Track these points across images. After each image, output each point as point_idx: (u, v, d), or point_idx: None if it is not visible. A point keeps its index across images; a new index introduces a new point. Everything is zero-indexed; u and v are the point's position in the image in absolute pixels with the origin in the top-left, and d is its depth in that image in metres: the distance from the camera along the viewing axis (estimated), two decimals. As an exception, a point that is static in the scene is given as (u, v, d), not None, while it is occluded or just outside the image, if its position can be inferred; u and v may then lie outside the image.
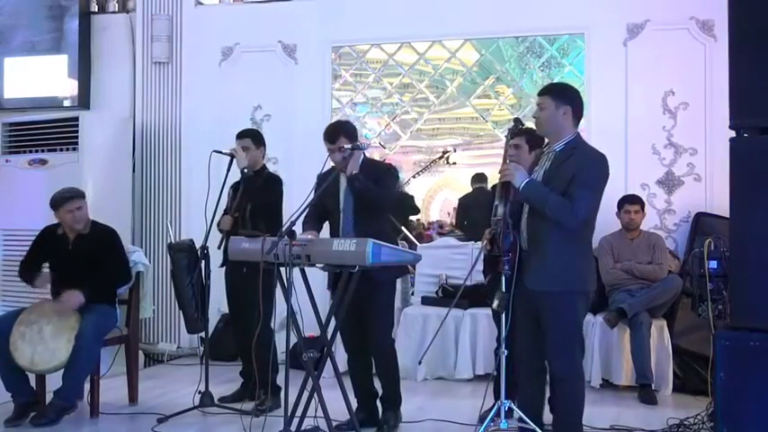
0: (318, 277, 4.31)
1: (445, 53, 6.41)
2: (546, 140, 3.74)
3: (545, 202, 3.36)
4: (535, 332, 3.50)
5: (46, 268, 4.66)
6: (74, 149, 6.05)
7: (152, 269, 5.65)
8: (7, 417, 4.29)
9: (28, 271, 4.60)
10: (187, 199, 6.41)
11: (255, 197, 4.63)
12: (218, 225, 4.68)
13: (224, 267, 4.76)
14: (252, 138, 4.81)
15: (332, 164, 4.21)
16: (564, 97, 3.51)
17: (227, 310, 5.86)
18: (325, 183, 4.00)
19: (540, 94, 3.58)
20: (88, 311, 4.38)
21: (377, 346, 4.17)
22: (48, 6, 6.81)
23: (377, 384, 4.31)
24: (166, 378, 5.68)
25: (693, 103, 5.65)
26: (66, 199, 4.50)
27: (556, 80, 6.13)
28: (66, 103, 6.78)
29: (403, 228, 6.45)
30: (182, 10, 6.59)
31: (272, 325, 4.45)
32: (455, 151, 6.51)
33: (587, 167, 3.41)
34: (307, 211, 4.00)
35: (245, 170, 4.61)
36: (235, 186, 4.82)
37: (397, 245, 4.18)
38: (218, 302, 5.83)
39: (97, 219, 4.72)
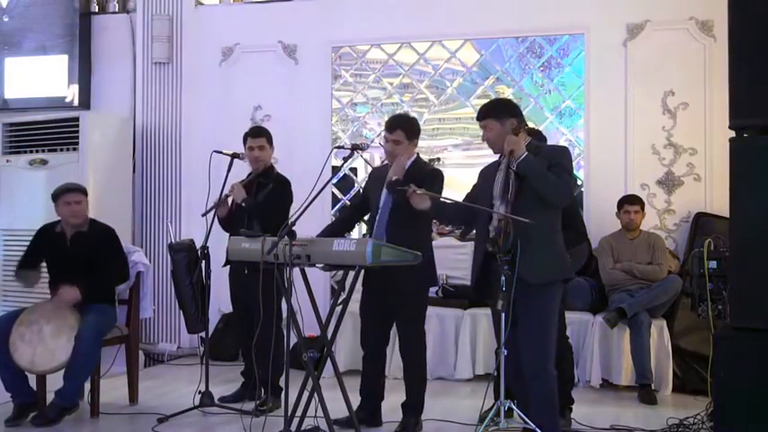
0: (318, 277, 4.31)
1: (445, 53, 6.40)
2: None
3: (545, 175, 3.46)
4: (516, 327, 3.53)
5: (43, 272, 4.64)
6: (74, 149, 6.05)
7: (152, 269, 5.65)
8: (7, 417, 4.30)
9: (24, 270, 4.60)
10: (187, 199, 6.41)
11: (264, 213, 4.61)
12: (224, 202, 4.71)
13: (227, 267, 4.76)
14: (267, 137, 4.83)
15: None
16: (504, 112, 3.66)
17: (227, 310, 5.89)
18: (378, 177, 4.08)
19: (480, 118, 3.72)
20: (88, 311, 4.38)
21: (408, 357, 4.19)
22: (61, 8, 6.81)
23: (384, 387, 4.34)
24: (166, 378, 5.68)
25: (693, 103, 5.65)
26: (66, 190, 4.51)
27: (555, 81, 6.14)
28: (67, 103, 6.78)
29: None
30: (182, 10, 6.58)
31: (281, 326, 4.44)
32: (440, 161, 6.51)
33: (561, 157, 3.58)
34: (350, 203, 4.01)
35: (244, 203, 4.64)
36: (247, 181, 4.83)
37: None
38: (219, 302, 5.84)
39: (97, 219, 4.72)
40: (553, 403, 3.58)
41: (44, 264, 4.67)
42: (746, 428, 3.03)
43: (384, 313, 4.16)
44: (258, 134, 4.83)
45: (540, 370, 3.51)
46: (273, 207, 4.62)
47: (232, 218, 4.74)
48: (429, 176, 4.13)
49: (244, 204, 4.62)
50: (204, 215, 4.65)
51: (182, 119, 6.57)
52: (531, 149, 3.55)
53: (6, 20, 6.94)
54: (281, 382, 3.85)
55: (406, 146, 4.13)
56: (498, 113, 3.66)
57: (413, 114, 6.48)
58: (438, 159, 6.53)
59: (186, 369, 5.93)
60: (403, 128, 4.16)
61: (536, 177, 3.45)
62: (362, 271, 3.78)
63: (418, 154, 4.30)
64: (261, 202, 4.69)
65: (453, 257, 5.97)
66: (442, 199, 3.81)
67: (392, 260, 3.61)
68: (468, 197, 3.88)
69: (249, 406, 4.37)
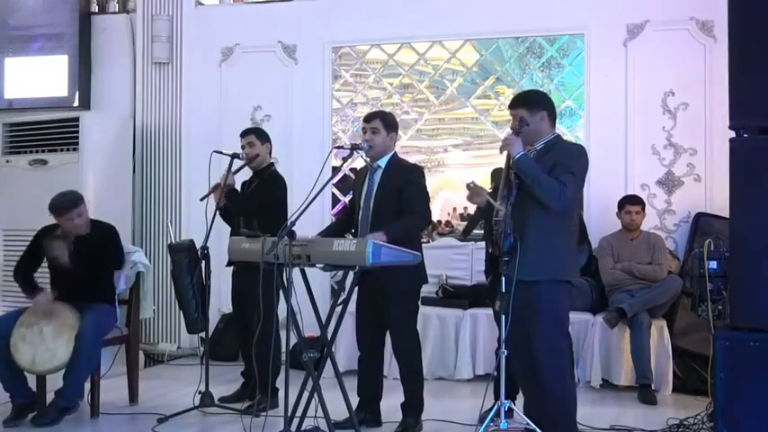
0: (318, 277, 4.31)
1: (445, 53, 6.41)
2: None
3: (538, 176, 3.43)
4: (521, 328, 3.50)
5: (43, 282, 4.63)
6: (74, 150, 6.06)
7: (152, 269, 5.65)
8: (5, 417, 4.30)
9: (24, 274, 4.58)
10: (187, 199, 6.41)
11: (247, 207, 4.66)
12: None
13: (230, 267, 4.76)
14: (256, 134, 4.87)
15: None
16: (537, 104, 3.65)
17: (227, 310, 5.89)
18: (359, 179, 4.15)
19: (513, 107, 3.68)
20: (88, 311, 4.38)
21: (401, 357, 4.20)
22: (62, 8, 6.80)
23: (384, 387, 4.35)
24: (166, 378, 5.67)
25: (693, 104, 5.65)
26: (66, 209, 4.41)
27: (555, 81, 6.14)
28: (67, 104, 6.78)
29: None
30: (182, 10, 6.58)
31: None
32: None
33: (569, 156, 3.56)
34: (348, 204, 4.04)
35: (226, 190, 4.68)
36: (246, 183, 4.89)
37: (420, 247, 4.16)
38: (219, 302, 5.85)
39: (97, 219, 4.71)
40: (570, 403, 3.57)
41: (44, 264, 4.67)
42: (746, 428, 3.02)
43: (378, 313, 4.16)
44: (246, 133, 4.90)
45: (555, 370, 3.49)
46: (258, 203, 4.64)
47: (230, 212, 4.78)
48: (411, 170, 4.22)
49: (225, 191, 4.65)
50: (202, 199, 4.68)
51: (182, 119, 6.57)
52: (549, 146, 3.56)
53: (7, 21, 6.93)
54: (279, 383, 3.85)
55: (384, 136, 4.19)
56: (530, 104, 3.64)
57: (413, 114, 6.49)
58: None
59: (186, 369, 5.93)
60: (381, 118, 4.24)
61: (528, 177, 3.44)
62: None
63: (396, 152, 4.32)
64: (244, 195, 4.73)
65: (453, 257, 5.99)
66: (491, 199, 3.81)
67: (392, 260, 3.61)
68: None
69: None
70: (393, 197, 4.10)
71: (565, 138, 6.02)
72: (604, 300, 5.41)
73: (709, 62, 5.57)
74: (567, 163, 3.50)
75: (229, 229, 4.80)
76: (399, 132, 6.84)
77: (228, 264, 4.66)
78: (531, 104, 3.63)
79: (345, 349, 5.29)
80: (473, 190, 3.75)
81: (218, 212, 4.74)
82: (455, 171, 6.55)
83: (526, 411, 3.67)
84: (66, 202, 4.44)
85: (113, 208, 6.02)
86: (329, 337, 3.84)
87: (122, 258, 4.69)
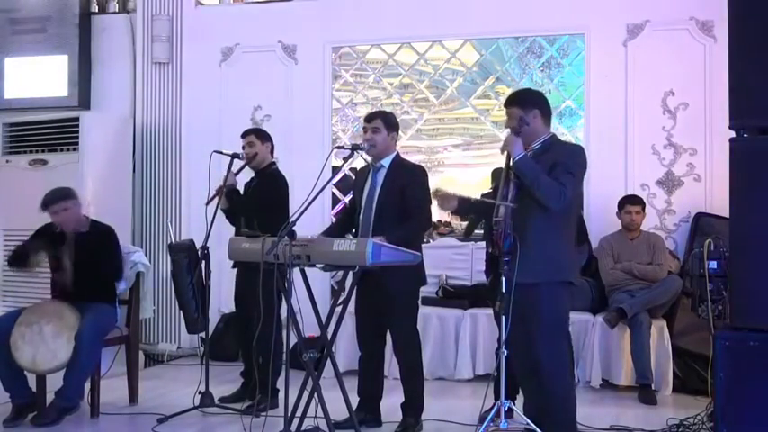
0: (318, 277, 4.31)
1: (445, 53, 6.41)
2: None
3: (537, 177, 3.42)
4: (522, 328, 3.50)
5: (43, 282, 4.62)
6: (74, 150, 6.06)
7: (152, 269, 5.65)
8: (5, 417, 4.30)
9: (20, 255, 4.52)
10: (187, 199, 6.41)
11: (247, 207, 4.68)
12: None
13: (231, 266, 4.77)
14: (256, 134, 4.89)
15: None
16: (530, 102, 3.64)
17: (227, 310, 5.89)
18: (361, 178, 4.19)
19: (507, 105, 3.69)
20: (88, 311, 4.38)
21: (401, 357, 4.21)
22: (62, 8, 6.79)
23: (384, 387, 4.35)
24: (166, 378, 5.68)
25: (693, 104, 5.65)
26: (51, 201, 4.43)
27: (555, 81, 6.14)
28: (67, 104, 6.77)
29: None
30: (182, 10, 6.59)
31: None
32: None
33: (568, 156, 3.56)
34: (348, 204, 4.04)
35: (226, 190, 4.68)
36: (248, 184, 4.90)
37: (420, 248, 4.15)
38: (219, 302, 5.85)
39: (97, 218, 4.72)
40: (571, 403, 3.57)
41: (45, 263, 4.66)
42: (746, 428, 3.02)
43: (378, 313, 4.17)
44: (246, 134, 4.91)
45: (555, 370, 3.49)
46: (258, 202, 4.65)
47: (233, 212, 4.78)
48: (414, 171, 4.23)
49: (225, 192, 4.65)
50: (207, 203, 4.68)
51: (182, 119, 6.58)
52: (546, 146, 3.56)
53: (8, 21, 6.93)
54: (279, 383, 3.85)
55: (385, 136, 4.20)
56: (523, 102, 3.64)
57: (413, 114, 6.49)
58: None
59: (186, 369, 5.93)
60: (381, 117, 4.25)
61: (527, 178, 3.44)
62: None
63: (398, 152, 4.32)
64: (245, 195, 4.75)
65: (453, 257, 5.98)
66: (466, 197, 3.80)
67: (392, 260, 3.61)
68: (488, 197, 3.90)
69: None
70: (396, 197, 4.11)
71: (565, 138, 6.09)
72: (604, 300, 5.41)
73: (709, 62, 5.56)
74: (567, 163, 3.49)
75: (231, 228, 4.81)
76: (399, 132, 6.86)
77: (234, 265, 4.66)
78: (524, 102, 3.64)
79: (345, 349, 5.29)
80: (442, 197, 3.77)
81: (222, 213, 4.75)
82: (455, 171, 6.55)
83: (526, 411, 3.67)
84: (54, 194, 4.47)
85: (113, 208, 6.03)
86: (329, 337, 3.84)
87: (121, 268, 4.68)
